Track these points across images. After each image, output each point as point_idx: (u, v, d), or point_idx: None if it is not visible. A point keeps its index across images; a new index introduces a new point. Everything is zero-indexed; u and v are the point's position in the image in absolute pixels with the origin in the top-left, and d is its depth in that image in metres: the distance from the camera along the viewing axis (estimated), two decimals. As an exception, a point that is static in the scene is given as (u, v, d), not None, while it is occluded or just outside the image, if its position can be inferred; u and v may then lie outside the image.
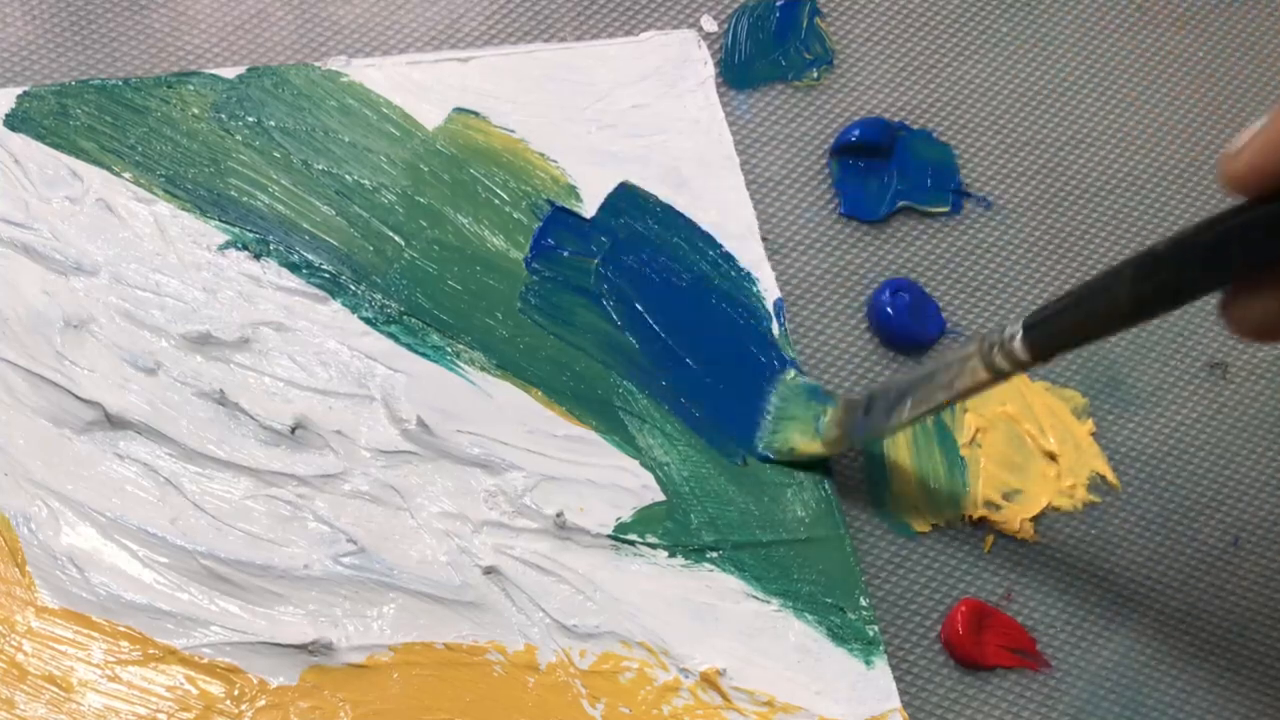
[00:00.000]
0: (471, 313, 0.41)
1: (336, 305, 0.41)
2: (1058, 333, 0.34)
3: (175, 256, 0.41)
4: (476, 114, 0.44)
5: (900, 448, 0.42)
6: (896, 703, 0.39)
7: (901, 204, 0.45)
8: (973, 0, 0.49)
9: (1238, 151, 0.27)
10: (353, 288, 0.41)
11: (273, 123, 0.43)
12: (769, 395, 0.42)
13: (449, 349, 0.41)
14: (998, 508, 0.42)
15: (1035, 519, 0.42)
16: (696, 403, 0.41)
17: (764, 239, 0.44)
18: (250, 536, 0.38)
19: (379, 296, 0.41)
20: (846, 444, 0.40)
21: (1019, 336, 0.35)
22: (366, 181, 0.42)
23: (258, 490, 0.38)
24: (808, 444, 0.41)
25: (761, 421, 0.41)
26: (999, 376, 0.36)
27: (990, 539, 0.42)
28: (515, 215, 0.43)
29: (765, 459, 0.41)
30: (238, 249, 0.41)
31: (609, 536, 0.40)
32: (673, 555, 0.40)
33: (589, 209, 0.43)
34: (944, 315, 0.44)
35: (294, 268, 0.41)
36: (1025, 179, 0.47)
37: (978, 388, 0.37)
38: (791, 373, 0.42)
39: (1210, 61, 0.50)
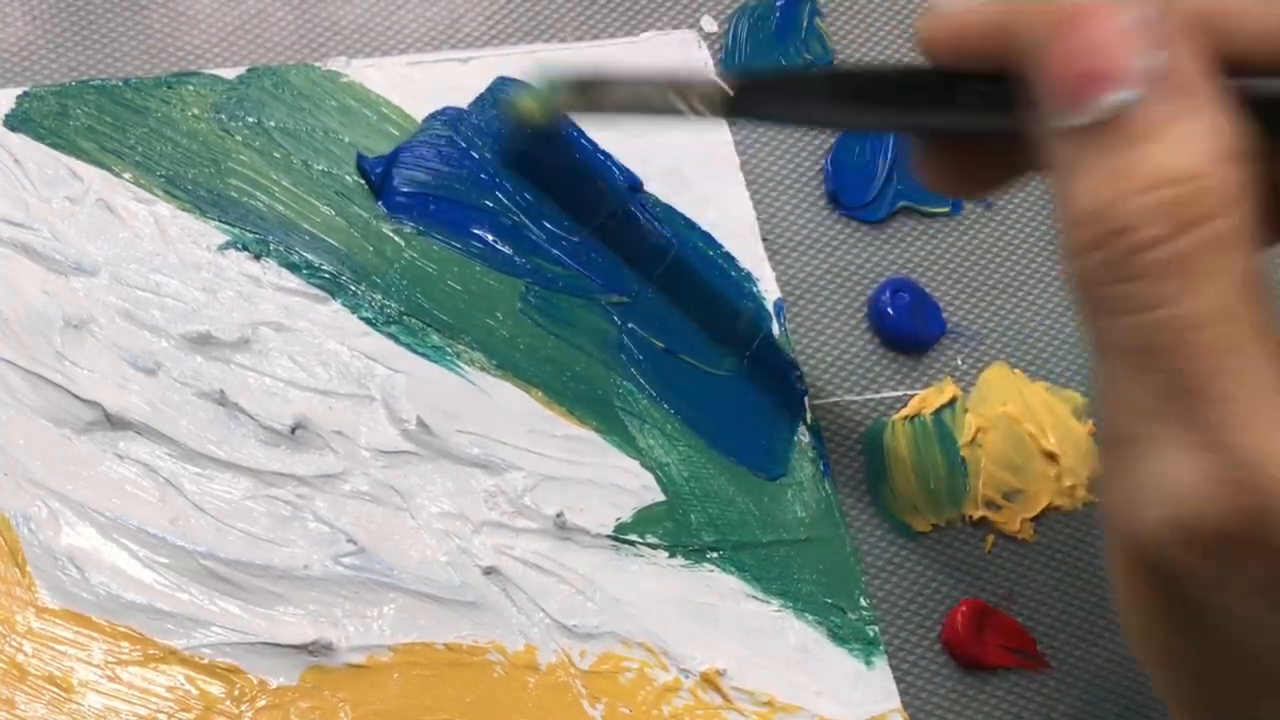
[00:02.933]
0: (471, 313, 0.41)
1: (336, 305, 0.41)
2: (756, 90, 0.34)
3: (175, 256, 0.41)
4: (476, 114, 0.44)
5: (900, 447, 0.42)
6: (896, 703, 0.39)
7: (901, 204, 0.45)
8: (973, 0, 0.49)
9: (940, 17, 0.27)
10: (353, 288, 0.41)
11: (273, 123, 0.43)
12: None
13: (449, 349, 0.41)
14: (998, 508, 0.42)
15: (1035, 519, 0.42)
16: (702, 408, 0.41)
17: (764, 239, 0.44)
18: (250, 536, 0.38)
19: (379, 296, 0.41)
20: (560, 113, 0.41)
21: (727, 84, 0.35)
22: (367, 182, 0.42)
23: (258, 490, 0.38)
24: (534, 109, 0.40)
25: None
26: (688, 112, 0.36)
27: (990, 539, 0.42)
28: (516, 215, 0.43)
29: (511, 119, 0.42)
30: (238, 249, 0.41)
31: (609, 536, 0.40)
32: (673, 555, 0.40)
33: (589, 209, 0.44)
34: (944, 315, 0.44)
35: (294, 268, 0.41)
36: (1024, 178, 0.47)
37: (668, 114, 0.37)
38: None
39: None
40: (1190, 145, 0.22)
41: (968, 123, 0.29)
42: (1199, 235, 0.22)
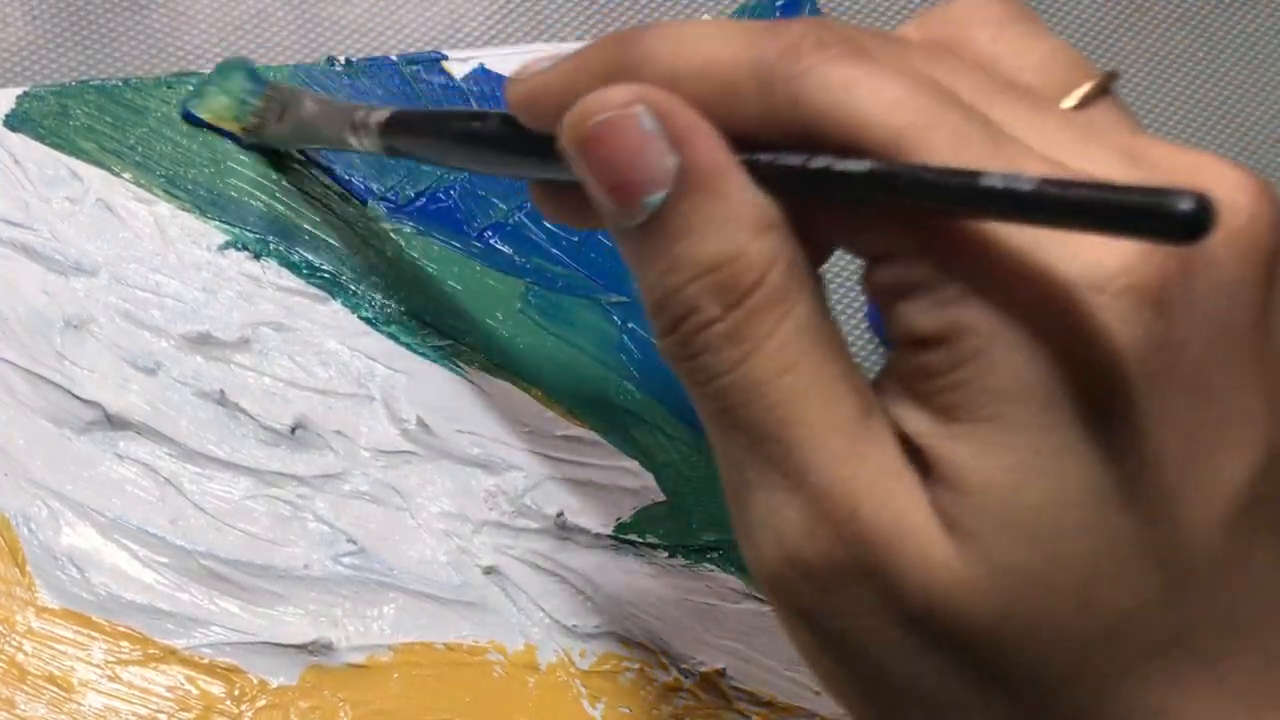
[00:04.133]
0: (471, 313, 0.41)
1: (336, 305, 0.41)
2: (408, 132, 0.35)
3: (175, 256, 0.41)
4: (476, 114, 0.44)
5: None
6: (897, 703, 0.39)
7: (901, 204, 0.45)
8: (973, 0, 0.49)
9: (531, 74, 0.28)
10: (353, 288, 0.41)
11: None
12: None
13: (449, 349, 0.41)
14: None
15: (1035, 519, 0.42)
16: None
17: (764, 239, 0.44)
18: (250, 536, 0.38)
19: (379, 296, 0.41)
20: (260, 138, 0.41)
21: (379, 119, 0.35)
22: (370, 181, 0.42)
23: (258, 490, 0.38)
24: (224, 117, 0.41)
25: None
26: (356, 149, 0.37)
27: (990, 539, 0.42)
28: (515, 215, 0.43)
29: (187, 116, 0.42)
30: (238, 249, 0.41)
31: (609, 536, 0.40)
32: (673, 555, 0.40)
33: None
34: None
35: (294, 268, 0.41)
36: (1025, 179, 0.47)
37: (338, 144, 0.38)
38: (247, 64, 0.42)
39: (1210, 61, 0.50)
40: (722, 230, 0.24)
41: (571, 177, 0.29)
42: (747, 306, 0.24)
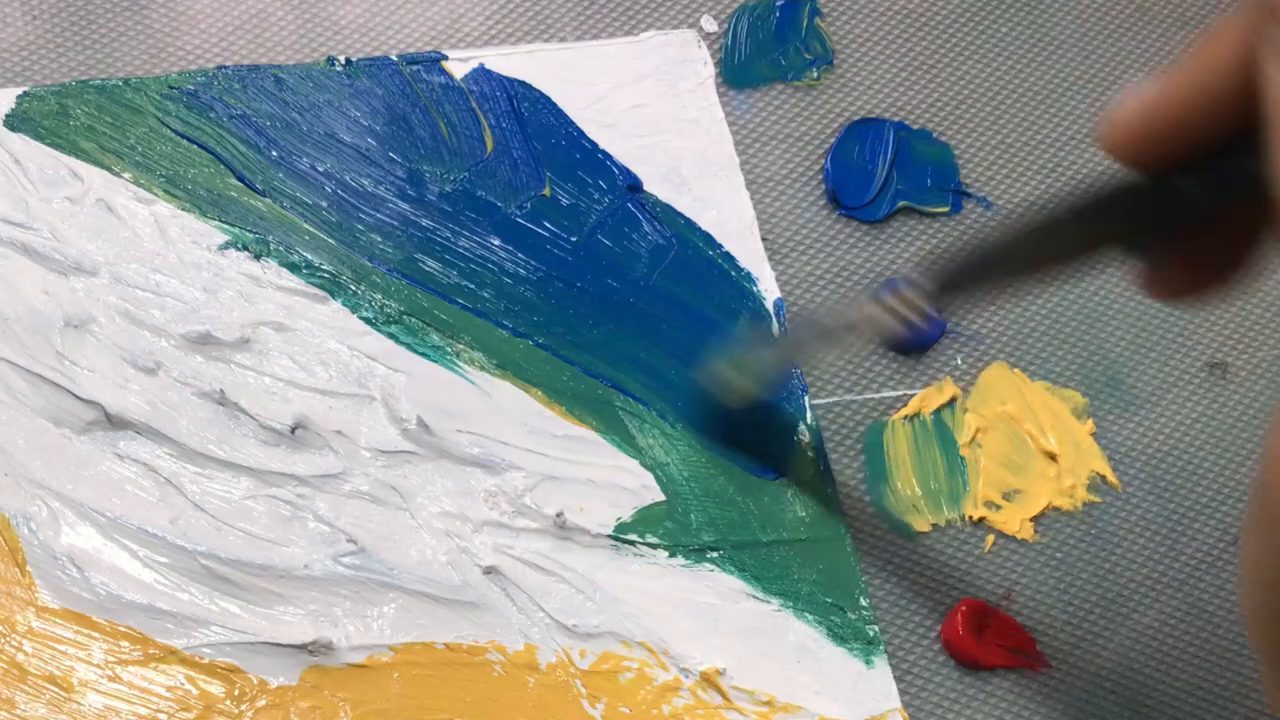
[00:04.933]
0: (471, 313, 0.41)
1: (336, 305, 0.41)
2: (956, 280, 0.33)
3: (175, 256, 0.41)
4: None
5: (900, 447, 0.42)
6: (896, 703, 0.39)
7: (901, 204, 0.45)
8: (973, 1, 0.49)
9: (1117, 114, 0.25)
10: (353, 288, 0.41)
11: (272, 123, 0.43)
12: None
13: (449, 349, 0.41)
14: (998, 508, 0.42)
15: (1035, 519, 0.42)
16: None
17: (764, 239, 0.44)
18: (250, 536, 0.38)
19: (379, 296, 0.41)
20: (758, 382, 0.40)
21: (917, 283, 0.34)
22: (366, 181, 0.42)
23: (258, 490, 0.38)
24: (734, 374, 0.40)
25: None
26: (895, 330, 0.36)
27: (990, 539, 0.42)
28: (514, 215, 0.43)
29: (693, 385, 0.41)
30: (238, 249, 0.41)
31: (609, 536, 0.40)
32: (673, 555, 0.40)
33: (589, 209, 0.44)
34: (944, 315, 0.44)
35: (294, 268, 0.41)
36: (1025, 179, 0.47)
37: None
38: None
39: (1210, 61, 0.50)
40: None
41: (1166, 218, 0.27)
42: None
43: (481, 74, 0.44)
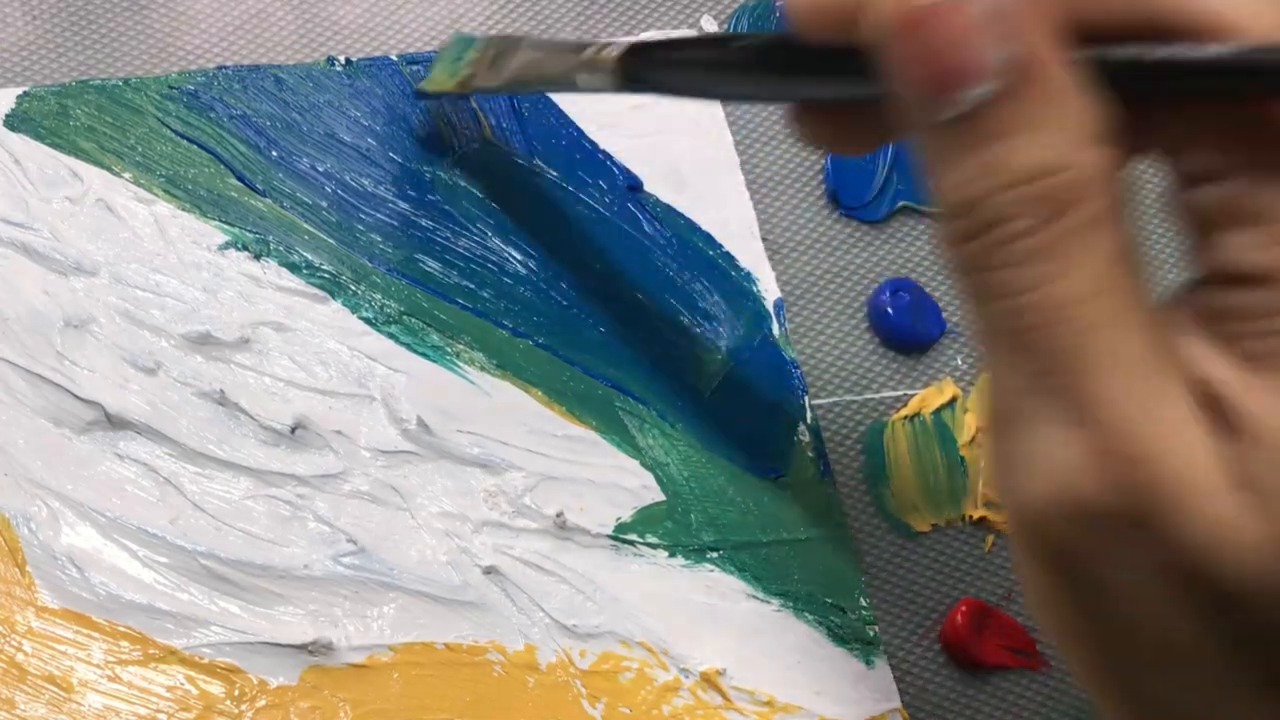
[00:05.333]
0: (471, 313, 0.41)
1: (336, 305, 0.41)
2: (651, 63, 0.34)
3: (175, 256, 0.41)
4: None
5: (900, 447, 0.42)
6: (897, 703, 0.39)
7: (901, 204, 0.45)
8: (973, 0, 0.49)
9: None
10: (353, 288, 0.41)
11: (272, 123, 0.43)
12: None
13: (449, 349, 0.41)
14: (998, 507, 0.42)
15: (1035, 519, 0.42)
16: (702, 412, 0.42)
17: (764, 239, 0.44)
18: (250, 536, 0.38)
19: (379, 296, 0.41)
20: (476, 90, 0.41)
21: (616, 54, 0.34)
22: (366, 181, 0.42)
23: (258, 490, 0.38)
24: (443, 83, 0.41)
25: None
26: (583, 87, 0.36)
27: (990, 539, 0.42)
28: (514, 215, 0.43)
29: (418, 95, 0.43)
30: (238, 249, 0.41)
31: (609, 536, 0.40)
32: (673, 555, 0.40)
33: (589, 209, 0.44)
34: (944, 315, 0.44)
35: (294, 268, 0.41)
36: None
37: (564, 85, 0.37)
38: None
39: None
40: (1052, 136, 0.22)
41: (844, 93, 0.28)
42: (1068, 221, 0.22)
43: None
